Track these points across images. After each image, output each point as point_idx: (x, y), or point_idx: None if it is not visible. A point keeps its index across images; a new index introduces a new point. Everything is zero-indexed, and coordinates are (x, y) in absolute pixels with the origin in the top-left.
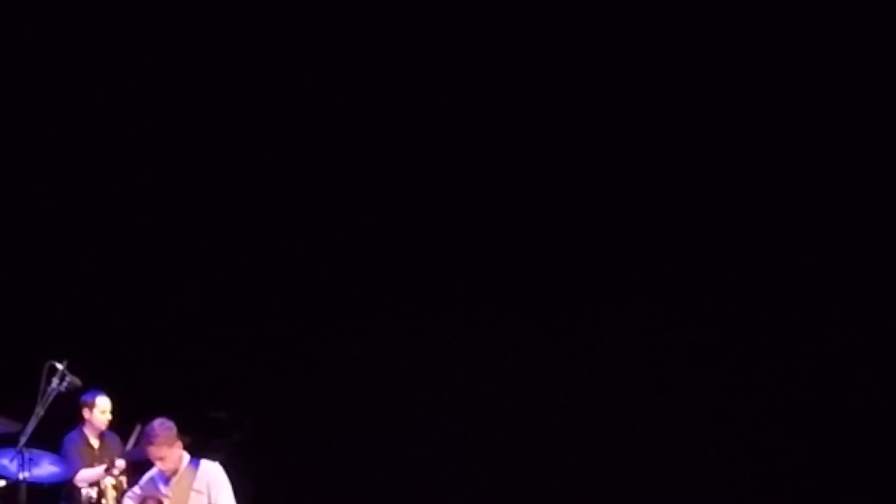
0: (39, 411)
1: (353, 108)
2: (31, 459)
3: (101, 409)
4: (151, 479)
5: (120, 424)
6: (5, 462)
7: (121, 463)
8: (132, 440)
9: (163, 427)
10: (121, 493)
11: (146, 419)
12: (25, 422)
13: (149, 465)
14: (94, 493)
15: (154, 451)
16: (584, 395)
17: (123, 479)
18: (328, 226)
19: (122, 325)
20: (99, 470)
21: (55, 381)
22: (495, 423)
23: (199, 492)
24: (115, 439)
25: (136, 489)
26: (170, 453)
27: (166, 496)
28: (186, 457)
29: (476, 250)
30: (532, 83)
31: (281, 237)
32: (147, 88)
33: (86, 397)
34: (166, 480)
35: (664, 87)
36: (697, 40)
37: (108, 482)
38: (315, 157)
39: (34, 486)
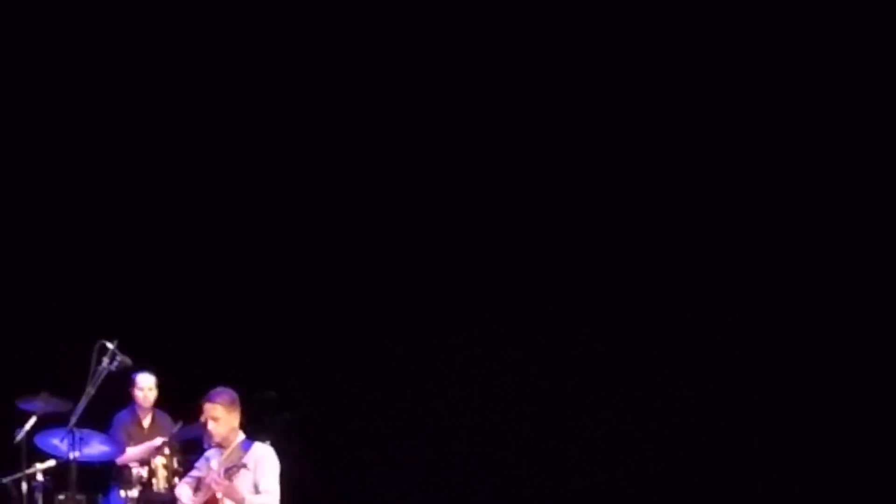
0: (90, 391)
1: (386, 95)
2: (81, 439)
3: (139, 387)
4: (206, 458)
5: (171, 404)
6: (56, 441)
7: (171, 441)
8: (176, 428)
9: (226, 391)
10: (171, 473)
11: (195, 400)
12: (76, 401)
13: (199, 444)
14: (144, 471)
15: (210, 410)
16: (610, 391)
17: (175, 458)
18: (371, 213)
19: (174, 306)
20: (147, 447)
21: (106, 360)
22: (522, 417)
23: (246, 468)
24: (165, 419)
25: (193, 472)
26: (225, 417)
27: (213, 470)
28: (241, 435)
29: (507, 246)
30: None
31: (326, 223)
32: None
33: (133, 374)
34: (218, 456)
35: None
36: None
37: (159, 461)
38: (347, 147)
39: (84, 466)
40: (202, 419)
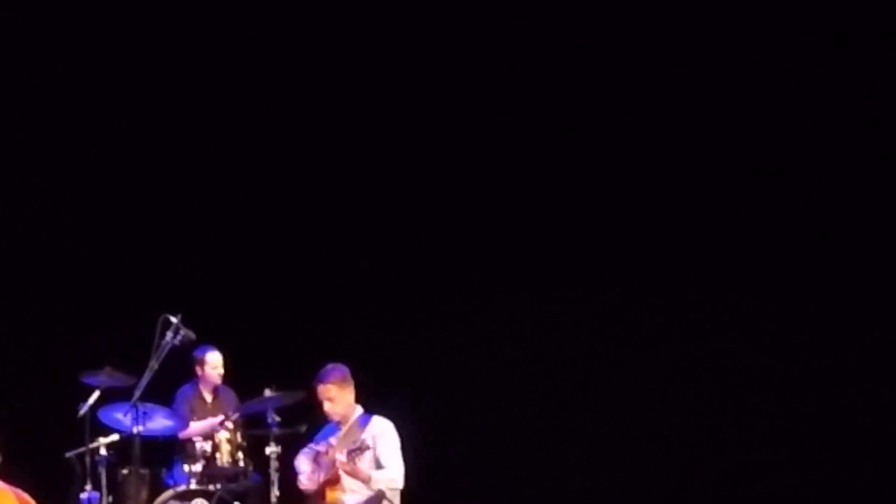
0: (153, 365)
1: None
2: (144, 413)
3: (212, 365)
4: (324, 434)
5: (234, 379)
6: (119, 416)
7: (235, 416)
8: (236, 405)
9: (336, 368)
10: (235, 447)
11: (260, 374)
12: (139, 376)
13: (262, 419)
14: (208, 446)
15: (323, 391)
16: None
17: (238, 433)
18: (448, 186)
19: (237, 280)
20: (211, 422)
21: (169, 334)
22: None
23: (368, 448)
24: (229, 393)
25: (312, 445)
26: (340, 395)
27: (332, 447)
28: (359, 409)
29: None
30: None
31: (401, 197)
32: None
33: (197, 352)
34: (336, 432)
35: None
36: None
37: (223, 436)
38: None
39: (148, 440)
40: (272, 394)
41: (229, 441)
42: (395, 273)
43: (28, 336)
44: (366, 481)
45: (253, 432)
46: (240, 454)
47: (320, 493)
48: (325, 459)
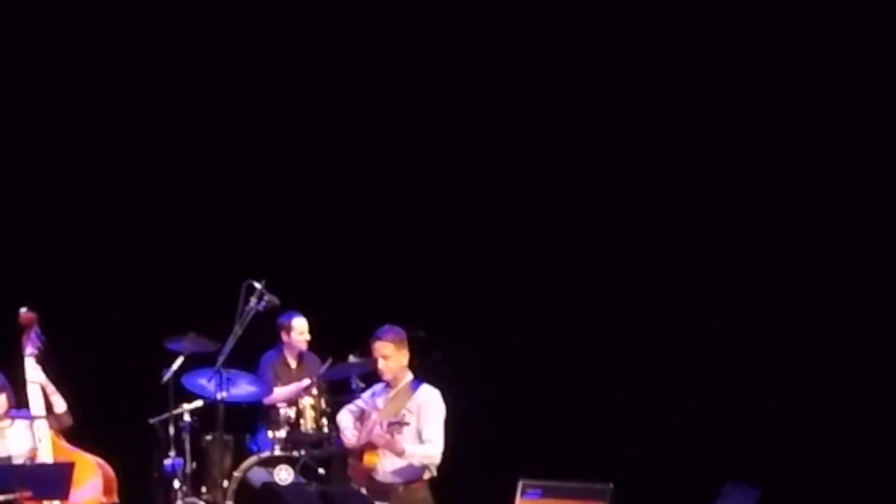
0: (237, 331)
1: None
2: (228, 379)
3: (298, 331)
4: (372, 393)
5: (318, 345)
6: (203, 382)
7: (318, 382)
8: (325, 367)
9: (394, 328)
10: (319, 413)
11: (345, 340)
12: (223, 341)
13: (347, 385)
14: (292, 412)
15: (380, 347)
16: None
17: (322, 399)
18: (521, 148)
19: (322, 245)
20: (295, 387)
21: (253, 300)
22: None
23: (409, 411)
24: (313, 359)
25: (358, 401)
26: (395, 355)
27: (378, 409)
28: (410, 375)
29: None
30: None
31: (476, 159)
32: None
33: (283, 318)
34: (384, 393)
35: None
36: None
37: (307, 402)
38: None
39: (232, 406)
40: (356, 360)
41: (313, 407)
42: (485, 243)
43: (112, 302)
44: (400, 455)
45: (337, 398)
46: (324, 420)
47: (359, 454)
48: (366, 424)
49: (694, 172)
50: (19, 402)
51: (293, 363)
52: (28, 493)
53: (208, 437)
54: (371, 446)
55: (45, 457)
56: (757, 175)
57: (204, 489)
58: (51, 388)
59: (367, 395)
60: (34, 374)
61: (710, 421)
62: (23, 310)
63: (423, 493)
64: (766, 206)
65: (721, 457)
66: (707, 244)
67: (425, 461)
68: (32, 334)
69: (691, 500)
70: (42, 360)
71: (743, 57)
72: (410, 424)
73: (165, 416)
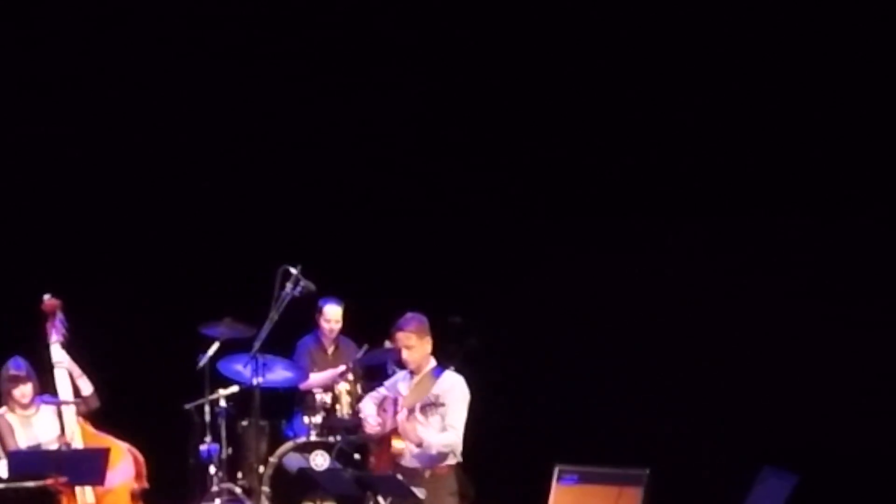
0: (273, 316)
1: None
2: (264, 365)
3: (325, 318)
4: (395, 380)
5: (354, 330)
6: (239, 367)
7: (354, 368)
8: (361, 352)
9: (416, 317)
10: (355, 399)
11: (378, 325)
12: (259, 327)
13: (382, 370)
14: (328, 398)
15: (402, 338)
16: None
17: (358, 384)
18: (556, 136)
19: (359, 230)
20: (331, 373)
21: (289, 285)
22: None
23: (443, 406)
24: (350, 345)
25: (381, 389)
26: (419, 344)
27: (402, 396)
28: (433, 361)
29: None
30: None
31: (512, 146)
32: None
33: (319, 303)
34: (408, 380)
35: None
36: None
37: (342, 387)
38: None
39: (268, 392)
40: (392, 345)
41: (349, 393)
42: (520, 229)
43: (149, 288)
44: (418, 446)
45: (373, 384)
46: (359, 406)
47: (386, 439)
48: (389, 409)
49: (726, 158)
50: (46, 391)
51: (329, 349)
52: (63, 479)
53: (244, 423)
54: (398, 432)
55: (75, 443)
56: (797, 161)
57: (240, 475)
58: (77, 371)
59: (389, 382)
60: (60, 357)
61: (747, 405)
62: (46, 296)
63: (450, 478)
64: (802, 191)
65: (758, 441)
66: (743, 228)
67: (445, 449)
68: (56, 321)
69: (728, 485)
70: (68, 347)
71: (788, 36)
72: (446, 404)
73: (201, 401)
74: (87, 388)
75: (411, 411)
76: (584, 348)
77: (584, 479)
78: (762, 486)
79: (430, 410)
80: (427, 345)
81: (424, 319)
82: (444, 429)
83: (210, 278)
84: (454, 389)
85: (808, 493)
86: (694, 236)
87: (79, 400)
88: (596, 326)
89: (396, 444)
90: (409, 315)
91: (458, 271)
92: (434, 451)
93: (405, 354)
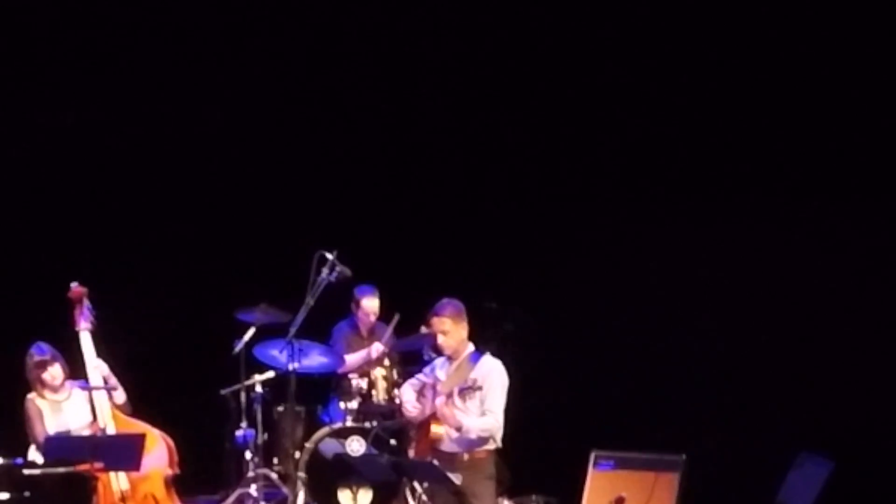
0: (309, 301)
1: None
2: (300, 350)
3: (364, 311)
4: (434, 366)
5: (390, 315)
6: (275, 353)
7: (380, 347)
8: (390, 329)
9: (452, 302)
10: (391, 384)
11: (415, 310)
12: (295, 312)
13: (418, 356)
14: (364, 383)
15: (437, 323)
16: None
17: (394, 370)
18: (591, 118)
19: (394, 215)
20: (366, 354)
21: (325, 270)
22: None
23: (481, 389)
24: (384, 330)
25: (420, 376)
26: (454, 329)
27: (441, 381)
28: (471, 346)
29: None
30: None
31: (546, 128)
32: None
33: (358, 291)
34: (446, 366)
35: None
36: None
37: (378, 373)
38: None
39: (303, 377)
40: (428, 331)
41: (385, 378)
42: (554, 213)
43: (184, 273)
44: (457, 430)
45: (409, 369)
46: (396, 391)
47: (425, 424)
48: (429, 395)
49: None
50: (76, 377)
51: (365, 333)
52: (99, 465)
53: (280, 409)
54: (437, 417)
55: (109, 430)
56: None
57: (275, 460)
58: (113, 381)
59: (427, 369)
60: (91, 349)
61: (785, 391)
62: (73, 284)
63: (488, 463)
64: (840, 174)
65: (795, 427)
66: (779, 211)
67: (484, 434)
68: (84, 309)
69: (764, 470)
70: (98, 343)
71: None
72: (483, 388)
73: (237, 387)
74: (120, 397)
75: (449, 396)
76: (621, 333)
77: (621, 464)
78: (799, 471)
79: (468, 394)
80: (463, 330)
81: (460, 305)
82: (482, 414)
83: (246, 264)
84: (492, 374)
85: (845, 478)
86: (734, 219)
87: (110, 385)
88: (632, 311)
89: (435, 429)
90: (444, 300)
91: (494, 256)
92: (473, 436)
93: (440, 339)
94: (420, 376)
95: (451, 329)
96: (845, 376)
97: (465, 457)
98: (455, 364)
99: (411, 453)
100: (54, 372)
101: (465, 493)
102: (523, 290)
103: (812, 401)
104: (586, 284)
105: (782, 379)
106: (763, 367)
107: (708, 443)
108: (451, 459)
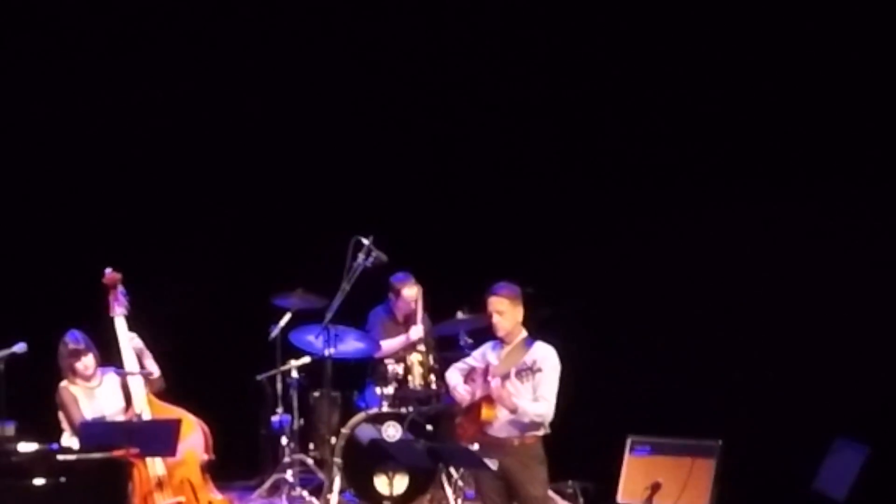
0: (345, 287)
1: None
2: (336, 335)
3: (405, 300)
4: (483, 349)
5: (426, 301)
6: (311, 338)
7: (418, 332)
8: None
9: (509, 285)
10: (427, 370)
11: (453, 296)
12: (331, 298)
13: (455, 341)
14: (400, 368)
15: (494, 303)
16: None
17: (430, 355)
18: (635, 106)
19: (431, 200)
20: (404, 338)
21: (361, 256)
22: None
23: (541, 371)
24: (421, 315)
25: (468, 359)
26: (511, 311)
27: (493, 365)
28: (524, 332)
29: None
30: None
31: (588, 116)
32: None
33: (395, 279)
34: (497, 350)
35: None
36: None
37: (414, 358)
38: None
39: (339, 363)
40: (464, 316)
41: (421, 363)
42: (595, 199)
43: (221, 258)
44: (513, 412)
45: (445, 354)
46: (432, 377)
47: (476, 407)
48: (479, 378)
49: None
50: (110, 363)
51: (401, 319)
52: (135, 450)
53: (316, 394)
54: (489, 400)
55: (145, 415)
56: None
57: (311, 446)
58: (146, 354)
59: (477, 353)
60: (126, 334)
61: (821, 376)
62: (107, 270)
63: (538, 448)
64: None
65: (831, 412)
66: (817, 198)
67: (538, 419)
68: (119, 294)
69: (800, 456)
70: (132, 323)
71: None
72: (543, 370)
73: (273, 372)
74: (154, 370)
75: (506, 377)
76: (657, 320)
77: (657, 450)
78: (835, 457)
79: (526, 375)
80: (518, 313)
81: (517, 289)
82: (535, 399)
83: (282, 249)
84: (548, 359)
85: (882, 464)
86: (773, 206)
87: (145, 371)
88: (669, 297)
89: (486, 411)
90: (502, 283)
91: (532, 241)
92: (527, 419)
93: (496, 319)
94: (468, 360)
95: (507, 310)
96: (881, 361)
97: (516, 442)
98: (509, 347)
99: (457, 439)
100: (87, 361)
101: (516, 477)
102: (560, 275)
103: (848, 386)
104: (623, 271)
105: (818, 365)
106: (799, 353)
107: (744, 429)
108: (499, 444)
